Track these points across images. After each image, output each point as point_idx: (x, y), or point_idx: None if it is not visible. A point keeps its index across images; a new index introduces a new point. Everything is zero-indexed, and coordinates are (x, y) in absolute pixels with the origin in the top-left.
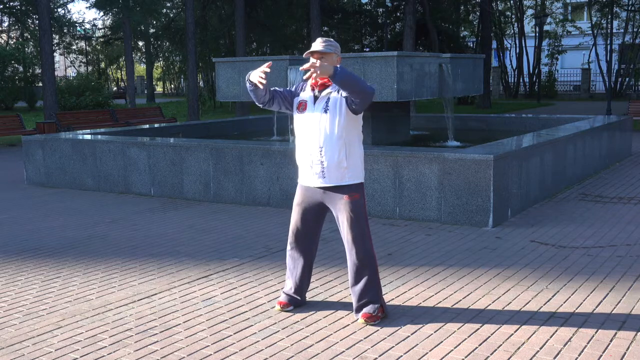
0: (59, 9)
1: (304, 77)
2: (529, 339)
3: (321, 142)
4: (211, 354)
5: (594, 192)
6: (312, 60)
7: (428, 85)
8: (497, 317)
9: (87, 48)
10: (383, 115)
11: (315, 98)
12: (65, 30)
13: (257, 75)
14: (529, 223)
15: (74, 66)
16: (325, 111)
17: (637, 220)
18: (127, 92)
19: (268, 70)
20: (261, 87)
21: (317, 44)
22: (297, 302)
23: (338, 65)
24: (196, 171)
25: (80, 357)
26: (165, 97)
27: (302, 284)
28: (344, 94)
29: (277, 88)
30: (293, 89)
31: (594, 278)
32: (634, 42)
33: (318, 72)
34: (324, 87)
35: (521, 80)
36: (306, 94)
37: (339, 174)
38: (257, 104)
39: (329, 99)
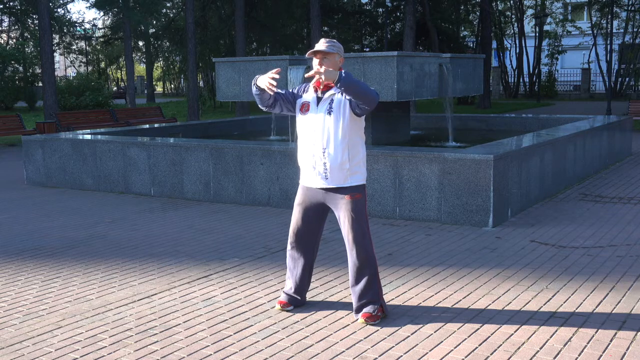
0: (59, 9)
1: (306, 75)
2: (529, 339)
3: (324, 144)
4: (211, 354)
5: (594, 192)
6: (316, 65)
7: (428, 85)
8: (497, 317)
9: (87, 48)
10: (383, 115)
11: (319, 99)
12: (65, 30)
13: (265, 81)
14: (529, 223)
15: (74, 66)
16: (329, 113)
17: (637, 220)
18: (127, 92)
19: (277, 76)
20: (270, 92)
21: (321, 44)
22: (297, 302)
23: (343, 71)
24: (196, 171)
25: (80, 357)
26: (165, 97)
27: (303, 284)
28: (348, 97)
29: (279, 90)
30: (295, 90)
31: (594, 278)
32: (634, 42)
33: (323, 77)
34: (327, 88)
35: (521, 80)
36: (309, 96)
37: (342, 176)
38: (260, 106)
39: (332, 100)
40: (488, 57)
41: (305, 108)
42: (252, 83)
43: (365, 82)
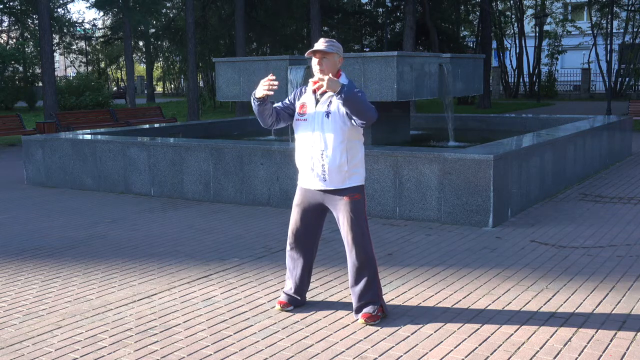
0: (59, 9)
1: (310, 80)
2: (529, 339)
3: (322, 146)
4: (211, 354)
5: (594, 192)
6: (315, 65)
7: (428, 85)
8: (497, 317)
9: (87, 48)
10: (383, 115)
11: (317, 102)
12: (65, 30)
13: (262, 87)
14: (529, 223)
15: (74, 66)
16: (327, 115)
17: (637, 220)
18: (127, 92)
19: (273, 77)
20: (271, 93)
21: (320, 44)
22: (297, 302)
23: (346, 82)
24: (196, 171)
25: (80, 357)
26: (165, 97)
27: (302, 284)
28: (346, 110)
29: (277, 105)
30: (291, 98)
31: (594, 278)
32: (634, 42)
33: (325, 84)
34: (325, 90)
35: (521, 80)
36: (307, 98)
37: (340, 177)
38: (265, 127)
39: (330, 102)
40: (488, 57)
41: (303, 110)
42: (252, 100)
43: (365, 82)
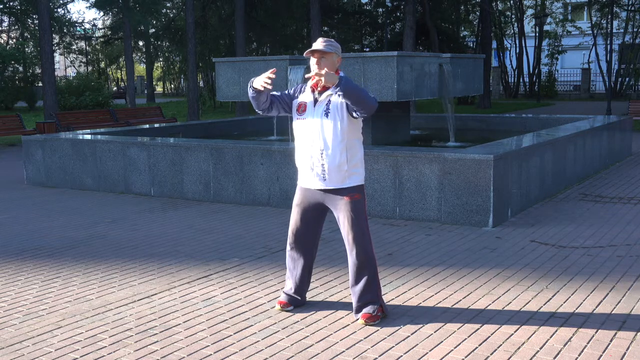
0: (59, 9)
1: (306, 76)
2: (529, 339)
3: (322, 146)
4: (211, 354)
5: (594, 192)
6: (313, 65)
7: (428, 85)
8: (497, 317)
9: (87, 48)
10: (383, 115)
11: (315, 101)
12: (65, 30)
13: (261, 81)
14: (529, 223)
15: (74, 66)
16: (326, 114)
17: (637, 220)
18: (127, 92)
19: (273, 76)
20: (266, 90)
21: (318, 43)
22: (297, 302)
23: (343, 76)
24: (196, 171)
25: (80, 357)
26: (165, 97)
27: (302, 284)
28: (346, 101)
29: (274, 92)
30: (291, 92)
31: (594, 278)
32: (634, 42)
33: (323, 80)
34: (324, 89)
35: (521, 80)
36: (306, 96)
37: (340, 177)
38: (256, 110)
39: (329, 101)
40: (488, 57)
41: (302, 109)
42: (249, 86)
43: (365, 82)
